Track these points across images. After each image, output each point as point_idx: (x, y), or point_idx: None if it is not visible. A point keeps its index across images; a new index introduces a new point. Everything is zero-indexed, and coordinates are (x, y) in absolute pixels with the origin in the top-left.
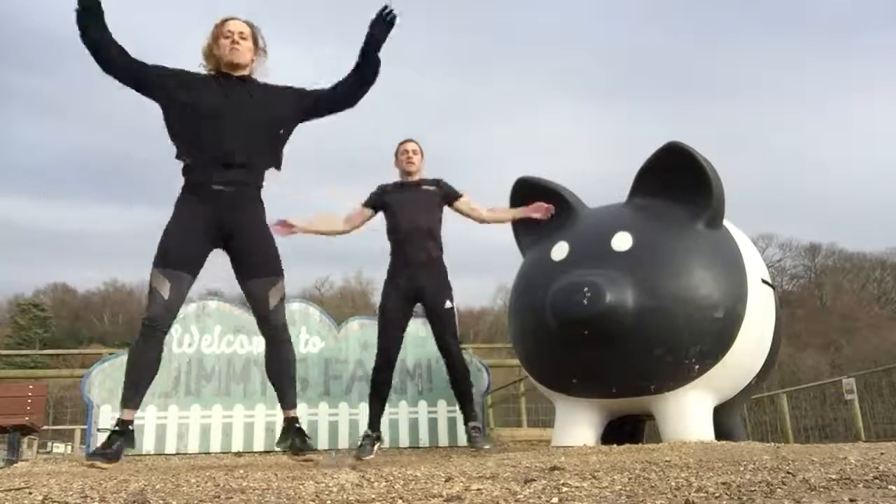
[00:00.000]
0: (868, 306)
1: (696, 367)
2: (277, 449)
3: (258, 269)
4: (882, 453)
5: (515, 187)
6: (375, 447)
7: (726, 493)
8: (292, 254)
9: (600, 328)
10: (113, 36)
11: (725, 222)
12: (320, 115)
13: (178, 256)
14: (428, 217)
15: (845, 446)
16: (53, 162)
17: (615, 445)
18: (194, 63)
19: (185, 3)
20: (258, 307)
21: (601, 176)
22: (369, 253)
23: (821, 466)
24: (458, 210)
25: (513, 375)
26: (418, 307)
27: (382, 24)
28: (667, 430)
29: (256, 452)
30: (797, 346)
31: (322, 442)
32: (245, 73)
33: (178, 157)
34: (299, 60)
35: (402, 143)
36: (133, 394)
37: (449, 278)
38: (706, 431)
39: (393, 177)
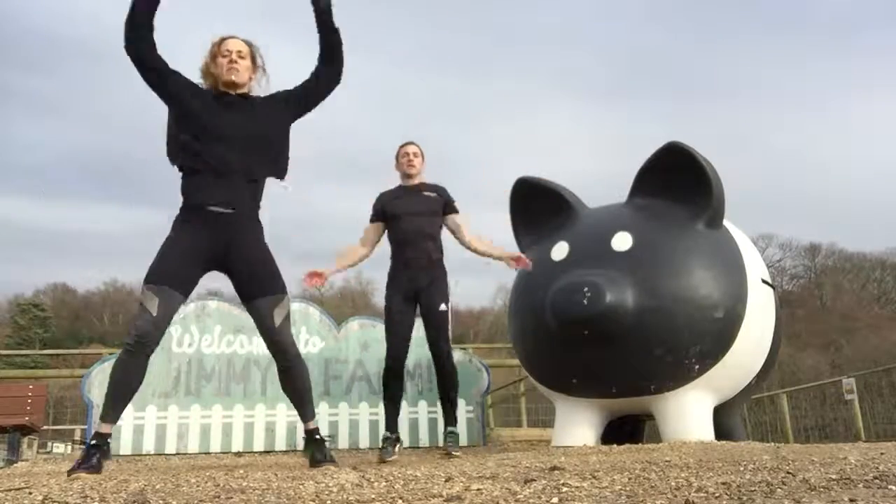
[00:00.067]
0: (868, 306)
1: (696, 367)
2: (303, 457)
3: (261, 288)
4: (882, 453)
5: (515, 187)
6: (397, 448)
7: (726, 493)
8: (293, 254)
9: (600, 328)
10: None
11: (725, 222)
12: (314, 103)
13: (170, 275)
14: (428, 221)
15: (845, 446)
16: (53, 162)
17: (615, 445)
18: (194, 63)
19: (183, 3)
20: (264, 326)
21: (601, 176)
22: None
23: (821, 466)
24: (447, 224)
25: (513, 375)
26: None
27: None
28: (667, 430)
29: (256, 452)
30: (797, 346)
31: None
32: (243, 91)
33: (173, 161)
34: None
35: (402, 146)
36: (114, 409)
37: (448, 281)
38: (706, 431)
39: (393, 179)
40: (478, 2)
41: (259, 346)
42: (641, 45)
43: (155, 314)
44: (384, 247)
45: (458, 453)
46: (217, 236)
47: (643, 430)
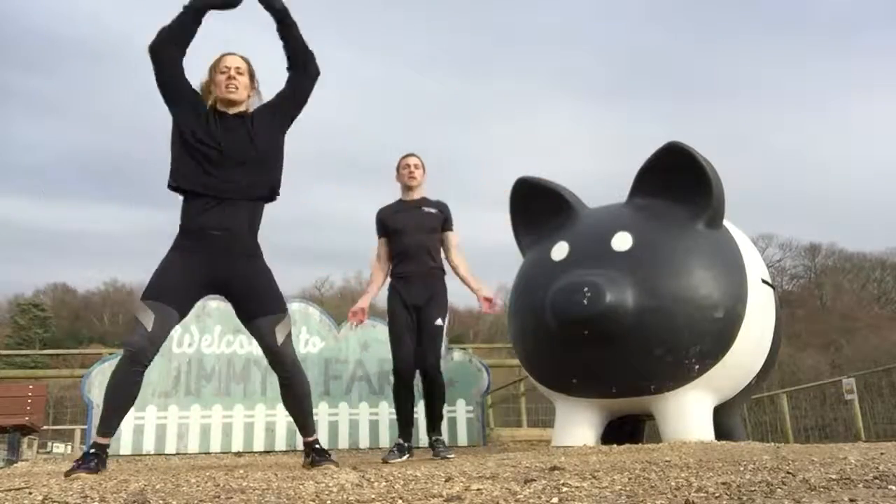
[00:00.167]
0: (868, 306)
1: (696, 367)
2: (304, 466)
3: (261, 309)
4: (882, 453)
5: (515, 187)
6: (405, 457)
7: (726, 493)
8: (293, 254)
9: (600, 328)
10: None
11: (725, 222)
12: (297, 107)
13: (167, 293)
14: (429, 237)
15: (845, 446)
16: (53, 162)
17: (615, 445)
18: (194, 63)
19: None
20: (265, 345)
21: (601, 176)
22: (369, 253)
23: (821, 466)
24: (441, 240)
25: (513, 375)
26: None
27: None
28: (667, 430)
29: (256, 452)
30: (797, 346)
31: (322, 442)
32: (241, 108)
33: (170, 187)
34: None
35: (403, 158)
36: (109, 423)
37: (447, 296)
38: (706, 431)
39: (393, 187)
40: (478, 2)
41: (259, 347)
42: (641, 45)
43: (150, 329)
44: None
45: (452, 455)
46: (215, 260)
47: (643, 430)
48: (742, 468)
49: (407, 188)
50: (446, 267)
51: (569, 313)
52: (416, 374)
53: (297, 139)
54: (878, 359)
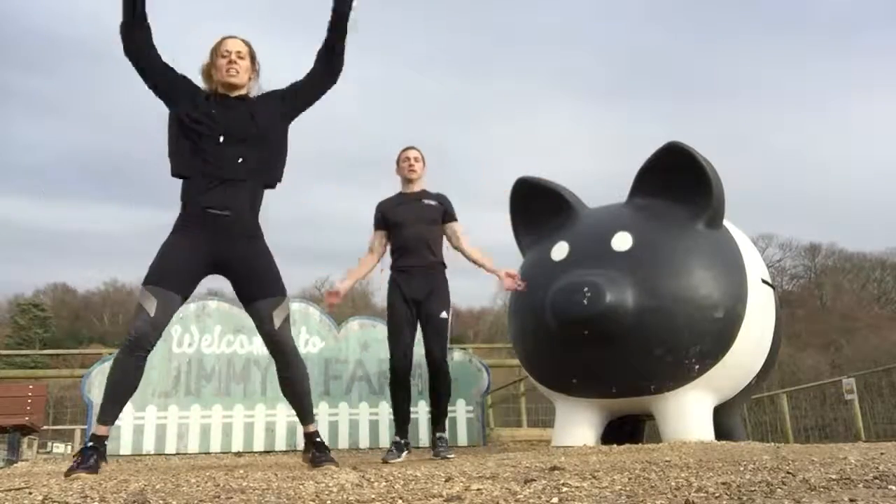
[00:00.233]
0: (868, 306)
1: (696, 367)
2: (302, 462)
3: (261, 291)
4: (882, 453)
5: (515, 187)
6: (403, 454)
7: (726, 493)
8: (293, 254)
9: (600, 328)
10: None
11: (725, 222)
12: (308, 103)
13: (169, 277)
14: (429, 230)
15: (845, 446)
16: (53, 162)
17: (615, 445)
18: (194, 63)
19: (183, 3)
20: (263, 328)
21: (601, 176)
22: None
23: (821, 466)
24: (445, 231)
25: (513, 375)
26: None
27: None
28: (667, 430)
29: (256, 452)
30: (797, 346)
31: None
32: (242, 92)
33: (173, 174)
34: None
35: (403, 151)
36: (109, 411)
37: (449, 290)
38: (706, 431)
39: (393, 181)
40: (478, 2)
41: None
42: (641, 45)
43: (153, 315)
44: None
45: (451, 455)
46: (216, 239)
47: (643, 430)
48: (742, 468)
49: (407, 181)
50: (455, 257)
51: (569, 313)
52: (412, 370)
53: (298, 139)
54: (878, 359)
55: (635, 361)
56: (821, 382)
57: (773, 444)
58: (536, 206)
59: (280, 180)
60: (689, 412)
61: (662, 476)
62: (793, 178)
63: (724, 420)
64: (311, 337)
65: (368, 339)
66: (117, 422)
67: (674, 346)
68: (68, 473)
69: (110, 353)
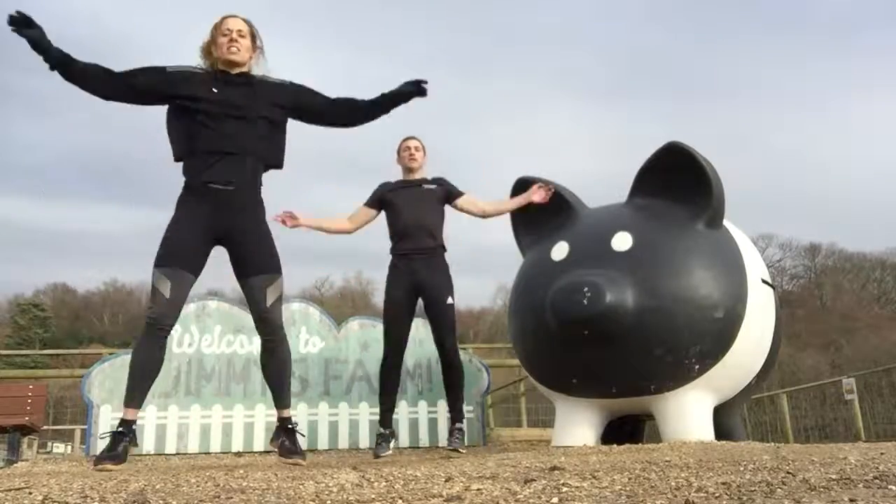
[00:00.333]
0: (868, 306)
1: (696, 367)
2: (271, 447)
3: (256, 266)
4: (882, 453)
5: (515, 187)
6: (391, 445)
7: (726, 493)
8: (293, 253)
9: (600, 328)
10: (95, 67)
11: (725, 222)
12: (311, 120)
13: (179, 255)
14: (429, 214)
15: (845, 446)
16: (53, 162)
17: (615, 445)
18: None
19: (183, 3)
20: (255, 305)
21: (601, 176)
22: (369, 253)
23: (821, 466)
24: (460, 208)
25: (513, 375)
26: (419, 305)
27: (414, 90)
28: (667, 430)
29: (256, 452)
30: (797, 346)
31: (322, 442)
32: (244, 70)
33: (176, 159)
34: (299, 57)
35: (404, 140)
36: (136, 393)
37: (450, 273)
38: (706, 431)
39: (394, 174)
40: (478, 2)
41: (259, 346)
42: (641, 45)
43: (168, 296)
44: (384, 247)
45: (463, 450)
46: (218, 212)
47: (643, 430)
48: (742, 468)
49: (408, 170)
50: (487, 219)
51: (569, 313)
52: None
53: (298, 139)
54: (878, 359)
55: (635, 361)
56: (821, 382)
57: (773, 444)
58: (536, 206)
59: (281, 164)
60: (689, 412)
61: (662, 476)
62: (793, 178)
63: (724, 420)
64: (311, 337)
65: (368, 339)
66: (117, 422)
67: (674, 346)
68: (97, 463)
69: (110, 353)
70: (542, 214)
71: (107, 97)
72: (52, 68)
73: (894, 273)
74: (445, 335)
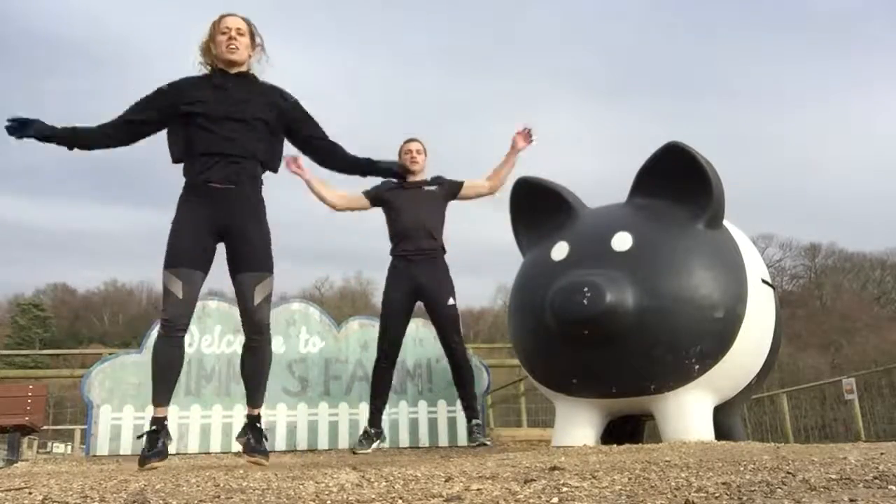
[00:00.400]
0: (868, 306)
1: (697, 367)
2: (237, 442)
3: (248, 263)
4: (882, 453)
5: (515, 187)
6: (374, 444)
7: (726, 493)
8: (293, 253)
9: (600, 328)
10: (104, 127)
11: (725, 222)
12: (298, 143)
13: (187, 255)
14: (430, 216)
15: (845, 446)
16: (53, 162)
17: (615, 445)
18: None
19: (183, 4)
20: (242, 302)
21: (601, 176)
22: (369, 253)
23: (821, 466)
24: (467, 196)
25: (513, 375)
26: (418, 306)
27: (394, 173)
28: (667, 430)
29: None
30: (797, 346)
31: (322, 442)
32: (242, 69)
33: (175, 160)
34: (299, 56)
35: (405, 143)
36: (162, 393)
37: (450, 275)
38: (706, 431)
39: None
40: (478, 2)
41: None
42: (641, 45)
43: (181, 296)
44: (384, 247)
45: (488, 442)
46: (219, 210)
47: (643, 430)
48: (742, 468)
49: (409, 173)
50: (493, 194)
51: (569, 313)
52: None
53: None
54: (878, 359)
55: (635, 361)
56: (821, 382)
57: (773, 444)
58: (536, 206)
59: (276, 169)
60: (689, 412)
61: (662, 476)
62: (793, 178)
63: (724, 420)
64: (311, 337)
65: (368, 339)
66: (117, 422)
67: (674, 346)
68: (143, 463)
69: (110, 353)
70: (542, 214)
71: (131, 142)
72: (70, 149)
73: (894, 273)
74: (450, 335)
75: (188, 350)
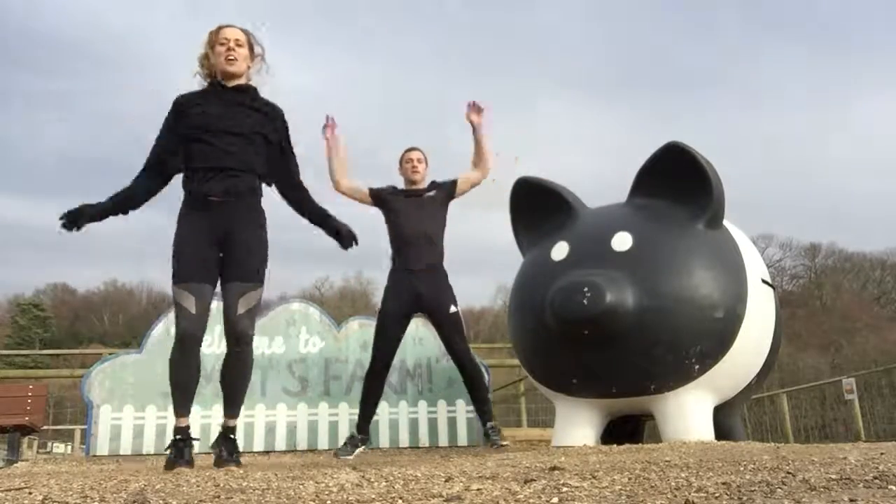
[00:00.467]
0: (868, 306)
1: (697, 367)
2: (211, 451)
3: (236, 273)
4: (882, 453)
5: (515, 187)
6: (358, 450)
7: (726, 493)
8: (294, 253)
9: (600, 328)
10: (137, 185)
11: (725, 222)
12: (271, 171)
13: (195, 270)
14: (430, 224)
15: (845, 446)
16: (54, 162)
17: (615, 445)
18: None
19: (183, 4)
20: (226, 310)
21: (602, 176)
22: (369, 253)
23: (821, 466)
24: (463, 192)
25: (513, 375)
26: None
27: (341, 239)
28: (667, 430)
29: (256, 452)
30: (797, 346)
31: (322, 442)
32: (241, 81)
33: (172, 173)
34: (298, 58)
35: (406, 152)
36: (182, 404)
37: (450, 283)
38: (706, 431)
39: (395, 181)
40: (478, 2)
41: (258, 346)
42: (641, 45)
43: (194, 311)
44: (384, 247)
45: (505, 443)
46: (218, 221)
47: (643, 430)
48: (742, 468)
49: (410, 182)
50: (483, 174)
51: (569, 313)
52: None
53: (299, 139)
54: (878, 359)
55: (635, 361)
56: (821, 382)
57: (773, 444)
58: (536, 206)
59: (271, 184)
60: (689, 412)
61: (662, 476)
62: (793, 178)
63: (724, 420)
64: (311, 337)
65: (368, 339)
66: (117, 422)
67: (674, 346)
68: (170, 467)
69: (110, 353)
70: (542, 214)
71: (170, 177)
72: (125, 214)
73: (894, 273)
74: (454, 340)
75: None
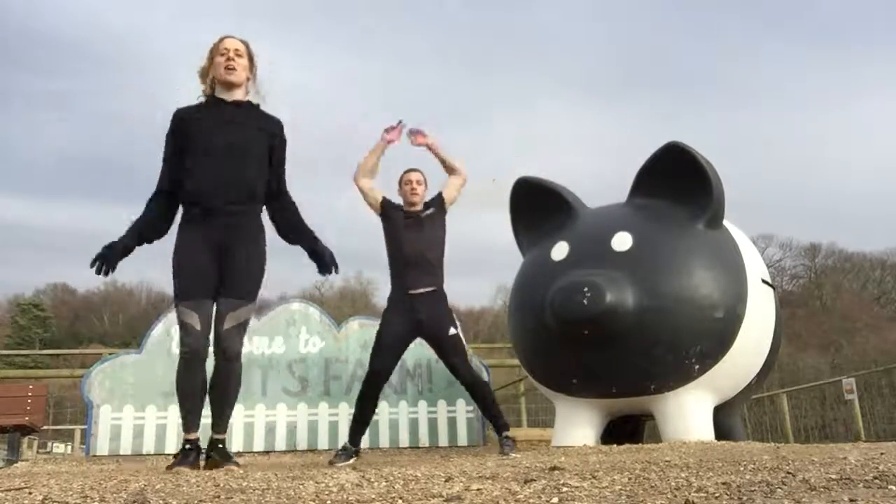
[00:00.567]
0: (868, 306)
1: (697, 367)
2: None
3: (228, 288)
4: (882, 453)
5: (515, 187)
6: (350, 461)
7: (726, 493)
8: (293, 253)
9: (601, 328)
10: (152, 216)
11: (725, 222)
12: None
13: (196, 286)
14: (430, 245)
15: (845, 446)
16: (54, 162)
17: (615, 445)
18: (188, 70)
19: (183, 4)
20: (216, 324)
21: (602, 176)
22: (369, 253)
23: (821, 466)
24: (453, 199)
25: (513, 375)
26: None
27: (322, 265)
28: (667, 430)
29: (256, 452)
30: (797, 346)
31: (322, 442)
32: (241, 92)
33: (172, 184)
34: (299, 57)
35: (406, 173)
36: (191, 419)
37: (449, 306)
38: (706, 431)
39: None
40: (478, 1)
41: (259, 346)
42: (641, 45)
43: (199, 328)
44: (383, 247)
45: (516, 454)
46: (217, 237)
47: (643, 430)
48: (742, 468)
49: (409, 204)
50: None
51: (569, 313)
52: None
53: (298, 139)
54: (878, 359)
55: (635, 361)
56: (821, 382)
57: (773, 444)
58: (536, 206)
59: (263, 201)
60: (689, 412)
61: (662, 476)
62: (793, 178)
63: (724, 420)
64: (311, 337)
65: (368, 340)
66: (117, 422)
67: (674, 346)
68: (170, 468)
69: (110, 353)
70: (542, 214)
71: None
72: (150, 243)
73: (894, 273)
74: (455, 361)
75: None
